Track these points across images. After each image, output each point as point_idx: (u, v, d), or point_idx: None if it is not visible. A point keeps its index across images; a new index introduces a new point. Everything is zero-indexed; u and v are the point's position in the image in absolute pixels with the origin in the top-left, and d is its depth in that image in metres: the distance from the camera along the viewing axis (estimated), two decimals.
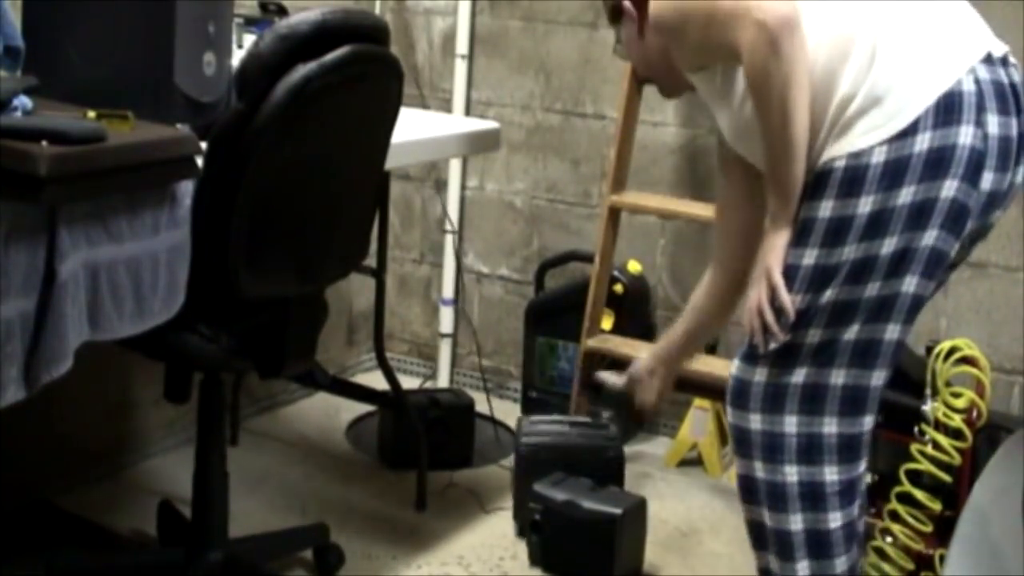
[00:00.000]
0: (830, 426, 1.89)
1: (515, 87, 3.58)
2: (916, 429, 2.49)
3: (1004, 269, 3.01)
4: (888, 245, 1.81)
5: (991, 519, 2.25)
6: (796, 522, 1.92)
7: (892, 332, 1.86)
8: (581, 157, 3.52)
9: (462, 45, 3.59)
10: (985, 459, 2.39)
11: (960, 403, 2.49)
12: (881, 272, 1.82)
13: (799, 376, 1.88)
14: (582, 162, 3.52)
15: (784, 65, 1.78)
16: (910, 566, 2.50)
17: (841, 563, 1.94)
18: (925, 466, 2.47)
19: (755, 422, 1.92)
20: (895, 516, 2.48)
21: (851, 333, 1.85)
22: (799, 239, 1.86)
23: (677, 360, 2.38)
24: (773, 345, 1.89)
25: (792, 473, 1.90)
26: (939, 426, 2.48)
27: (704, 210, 3.12)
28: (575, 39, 3.46)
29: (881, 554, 2.49)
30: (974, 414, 2.49)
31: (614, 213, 3.17)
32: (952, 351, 2.52)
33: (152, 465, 3.05)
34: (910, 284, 1.83)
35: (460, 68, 3.61)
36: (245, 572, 2.44)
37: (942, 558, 2.36)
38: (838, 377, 1.87)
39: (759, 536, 1.98)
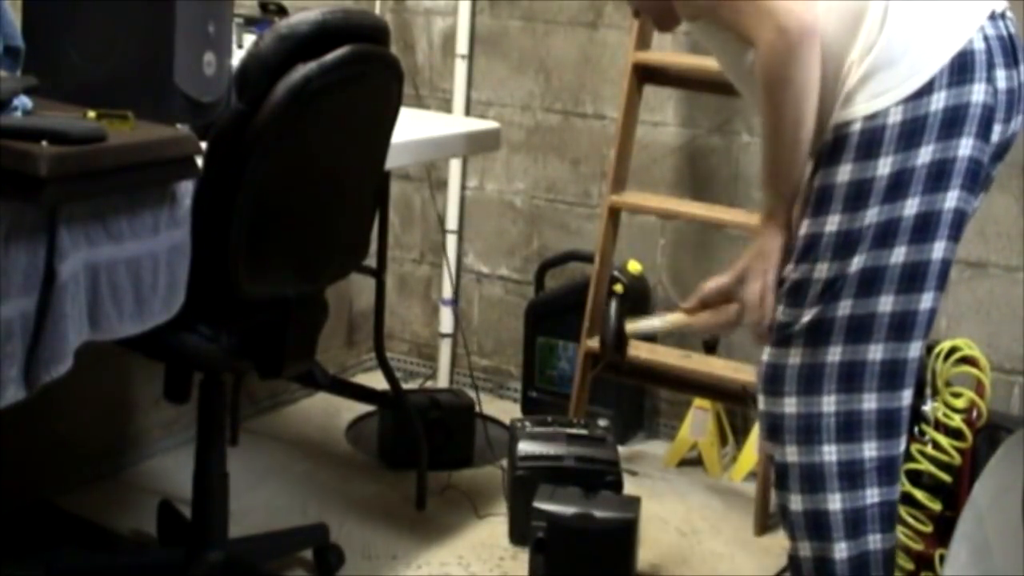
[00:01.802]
0: (869, 402, 1.86)
1: (515, 87, 3.58)
2: (916, 429, 2.49)
3: (1004, 269, 3.01)
4: (911, 207, 1.80)
5: (991, 519, 2.25)
6: (834, 501, 1.88)
7: (927, 301, 1.84)
8: (581, 157, 3.52)
9: (462, 45, 3.59)
10: (985, 459, 2.39)
11: (960, 403, 2.49)
12: (906, 235, 1.81)
13: (835, 354, 1.85)
14: (582, 162, 3.52)
15: (801, 72, 1.78)
16: (910, 566, 2.50)
17: (875, 540, 1.91)
18: (925, 466, 2.47)
19: (790, 406, 1.88)
20: None
21: (886, 305, 1.83)
22: (819, 207, 1.84)
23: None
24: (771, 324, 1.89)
25: (830, 452, 1.87)
26: (939, 426, 2.48)
27: (704, 210, 3.12)
28: (575, 39, 3.46)
29: None
30: (974, 414, 2.50)
31: (614, 213, 3.17)
32: (952, 351, 2.52)
33: (152, 465, 3.05)
34: (939, 250, 1.82)
35: (460, 68, 3.61)
36: (245, 572, 2.44)
37: (942, 558, 2.36)
38: (876, 352, 1.84)
39: (792, 523, 1.94)
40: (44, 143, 1.56)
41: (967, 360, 2.53)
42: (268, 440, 3.29)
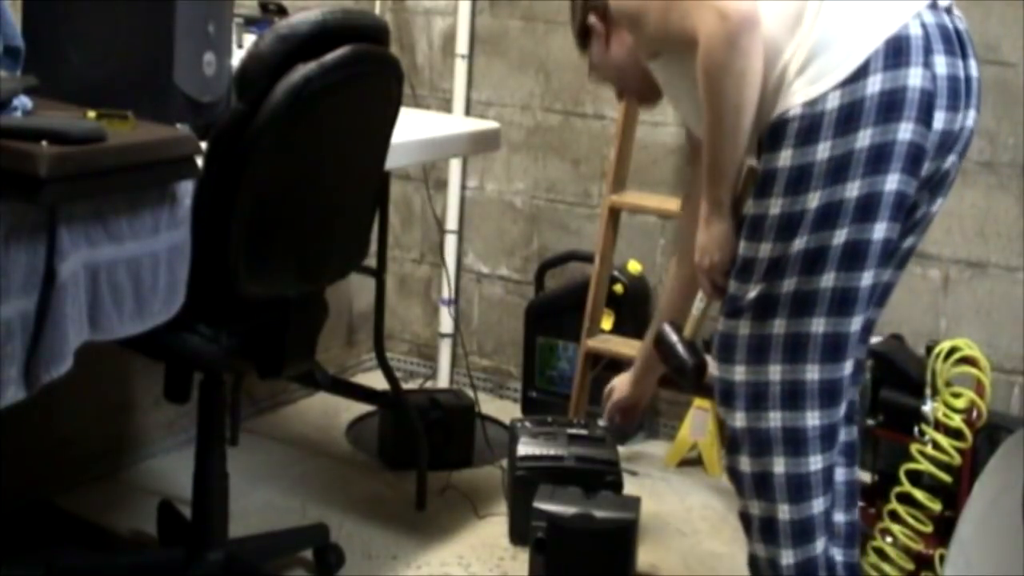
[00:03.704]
0: (812, 373, 1.93)
1: (515, 87, 3.58)
2: (916, 429, 2.49)
3: (1004, 269, 3.01)
4: (852, 189, 1.85)
5: (991, 519, 2.25)
6: (779, 465, 1.97)
7: (867, 279, 1.89)
8: (581, 157, 3.52)
9: (462, 45, 3.59)
10: (985, 459, 2.39)
11: (960, 403, 2.49)
12: (848, 217, 1.86)
13: (781, 327, 1.92)
14: (582, 162, 3.52)
15: (741, 59, 1.82)
16: (910, 566, 2.50)
17: (819, 504, 1.99)
18: (925, 466, 2.47)
19: (740, 373, 1.97)
20: (895, 516, 2.48)
21: (828, 281, 1.89)
22: (763, 190, 1.90)
23: (655, 372, 2.56)
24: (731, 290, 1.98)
25: (776, 419, 1.95)
26: (939, 426, 2.48)
27: None
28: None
29: (881, 554, 2.49)
30: (974, 414, 2.50)
31: (614, 213, 3.17)
32: (952, 351, 2.52)
33: (152, 465, 3.05)
34: (880, 230, 1.87)
35: (460, 68, 3.61)
36: (245, 572, 2.44)
37: (942, 558, 2.36)
38: (818, 326, 1.91)
39: (740, 483, 2.03)
40: (44, 143, 1.56)
41: (967, 360, 2.53)
42: (268, 440, 3.29)
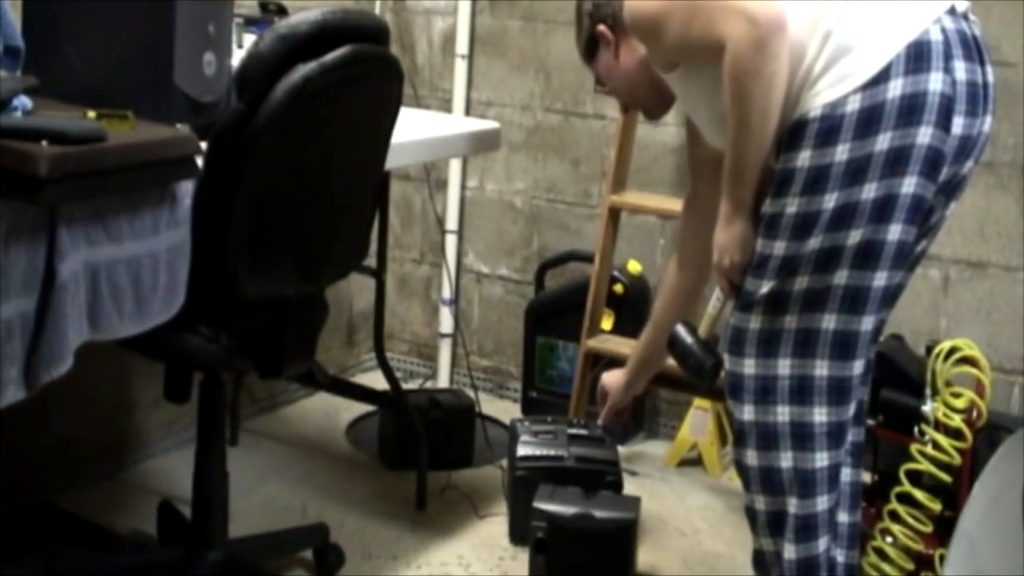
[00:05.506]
0: (821, 368, 1.94)
1: (515, 87, 3.58)
2: (916, 429, 2.49)
3: (1004, 269, 3.01)
4: (868, 191, 1.85)
5: (991, 519, 2.25)
6: (786, 459, 1.98)
7: (880, 279, 1.90)
8: (581, 157, 3.52)
9: (462, 45, 3.60)
10: (985, 459, 2.39)
11: (960, 403, 2.49)
12: (864, 218, 1.86)
13: (792, 322, 1.94)
14: (582, 162, 3.52)
15: (770, 63, 1.82)
16: (910, 566, 2.50)
17: (823, 502, 2.00)
18: (925, 466, 2.47)
19: (749, 367, 1.98)
20: (895, 516, 2.48)
21: (840, 279, 1.90)
22: (780, 189, 1.90)
23: (650, 373, 2.64)
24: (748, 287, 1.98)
25: (783, 413, 1.96)
26: (939, 426, 2.48)
27: None
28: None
29: (881, 554, 2.49)
30: (974, 414, 2.49)
31: (614, 213, 3.17)
32: (952, 351, 2.52)
33: (152, 465, 3.05)
34: (895, 232, 1.88)
35: (460, 68, 3.61)
36: (245, 572, 2.44)
37: (942, 558, 2.36)
38: (829, 322, 1.92)
39: (747, 477, 2.04)
40: (44, 143, 1.56)
41: (967, 360, 2.53)
42: (268, 440, 3.29)
